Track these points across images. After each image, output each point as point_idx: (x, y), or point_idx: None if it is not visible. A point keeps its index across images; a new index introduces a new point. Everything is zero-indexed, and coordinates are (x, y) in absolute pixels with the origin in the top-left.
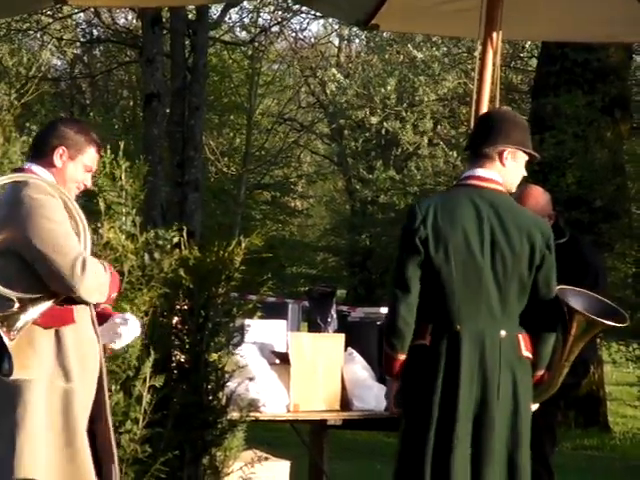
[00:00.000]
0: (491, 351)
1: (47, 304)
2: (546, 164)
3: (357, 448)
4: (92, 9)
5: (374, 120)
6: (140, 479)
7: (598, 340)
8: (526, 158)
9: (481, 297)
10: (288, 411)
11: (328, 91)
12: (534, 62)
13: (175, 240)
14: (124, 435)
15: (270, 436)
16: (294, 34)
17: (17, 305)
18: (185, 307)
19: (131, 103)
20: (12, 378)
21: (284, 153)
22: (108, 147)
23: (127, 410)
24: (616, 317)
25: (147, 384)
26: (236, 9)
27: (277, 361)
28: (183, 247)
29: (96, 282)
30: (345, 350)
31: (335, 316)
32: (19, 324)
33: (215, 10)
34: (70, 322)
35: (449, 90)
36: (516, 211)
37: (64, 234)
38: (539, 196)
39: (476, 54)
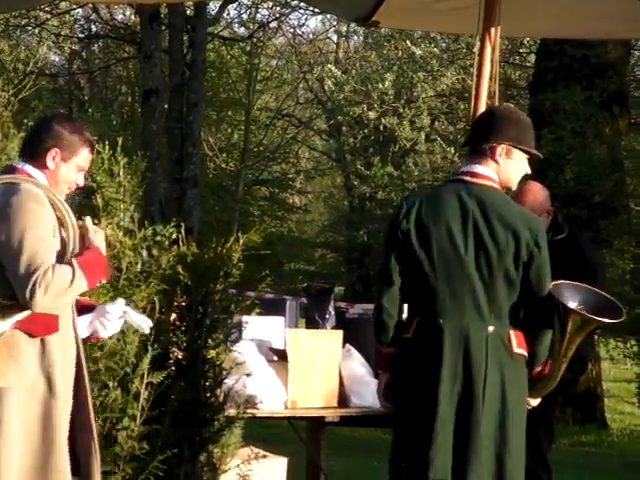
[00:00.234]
0: (477, 347)
1: (25, 312)
2: (544, 160)
3: (354, 445)
4: (90, 5)
5: (372, 116)
6: (137, 476)
7: (596, 337)
8: (524, 156)
9: (466, 292)
10: (286, 408)
11: (326, 87)
12: (532, 58)
13: (173, 236)
14: (121, 432)
15: (268, 433)
16: (292, 30)
17: None
18: (183, 304)
19: (129, 99)
20: None
21: (282, 149)
22: (106, 143)
23: (124, 407)
24: (613, 312)
25: (145, 381)
26: (234, 5)
27: (275, 358)
28: (181, 243)
29: (54, 296)
30: (343, 347)
31: (333, 313)
32: None
33: (213, 6)
34: (54, 331)
35: (447, 86)
36: (504, 207)
37: (35, 247)
38: (537, 192)
39: (475, 50)
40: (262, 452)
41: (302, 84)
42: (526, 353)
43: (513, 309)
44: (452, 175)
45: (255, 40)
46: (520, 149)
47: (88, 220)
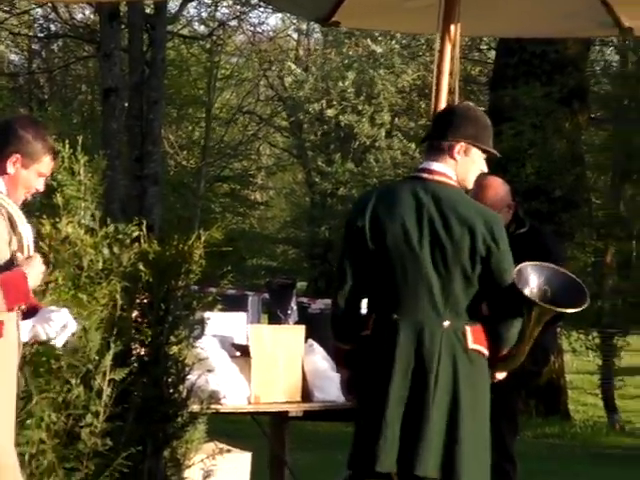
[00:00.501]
0: (430, 342)
1: None
2: (505, 155)
3: (318, 439)
4: (49, 4)
5: (331, 113)
6: (101, 473)
7: (558, 329)
8: (482, 154)
9: (421, 288)
10: (249, 403)
11: (286, 84)
12: (493, 54)
13: (134, 234)
14: (84, 429)
15: (231, 428)
16: (252, 28)
17: None
18: (145, 301)
19: (89, 98)
20: None
21: (243, 146)
22: (66, 142)
23: (87, 404)
24: (577, 293)
25: (107, 377)
26: (194, 3)
27: (237, 353)
28: (142, 241)
29: None
30: (305, 342)
31: (295, 308)
32: None
33: (173, 4)
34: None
35: (408, 83)
36: (460, 203)
37: None
38: (498, 187)
39: (435, 47)
40: (226, 447)
41: (263, 81)
42: (483, 349)
43: (471, 305)
44: (411, 171)
45: (215, 38)
46: (478, 147)
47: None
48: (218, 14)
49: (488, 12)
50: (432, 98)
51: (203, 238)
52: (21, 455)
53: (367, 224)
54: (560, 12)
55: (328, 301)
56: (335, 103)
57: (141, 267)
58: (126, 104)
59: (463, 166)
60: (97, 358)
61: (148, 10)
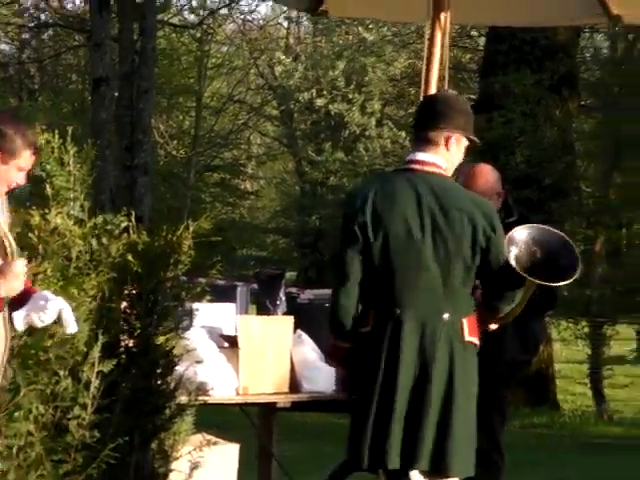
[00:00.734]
0: (431, 335)
1: None
2: (495, 143)
3: (306, 430)
4: None
5: (320, 102)
6: (89, 465)
7: (547, 318)
8: (467, 143)
9: (423, 282)
10: (237, 394)
11: (276, 73)
12: (483, 41)
13: (123, 225)
14: (72, 421)
15: (219, 419)
16: (242, 16)
17: None
18: (134, 292)
19: (80, 87)
20: None
21: (234, 135)
22: (56, 132)
23: (75, 396)
24: (567, 259)
25: (95, 369)
26: None
27: (226, 344)
28: (131, 232)
29: None
30: (294, 332)
31: (284, 298)
32: None
33: None
34: None
35: (399, 71)
36: (457, 194)
37: None
38: (488, 174)
39: (425, 35)
40: (214, 439)
41: (253, 70)
42: (476, 340)
43: (468, 296)
44: (402, 162)
45: (205, 27)
46: (467, 137)
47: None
48: (208, 2)
49: (478, 0)
50: (422, 86)
51: (192, 228)
52: (9, 448)
53: (369, 220)
54: (549, 1)
55: (318, 291)
56: (325, 92)
57: (130, 258)
58: (116, 94)
59: (454, 156)
60: (85, 350)
61: None
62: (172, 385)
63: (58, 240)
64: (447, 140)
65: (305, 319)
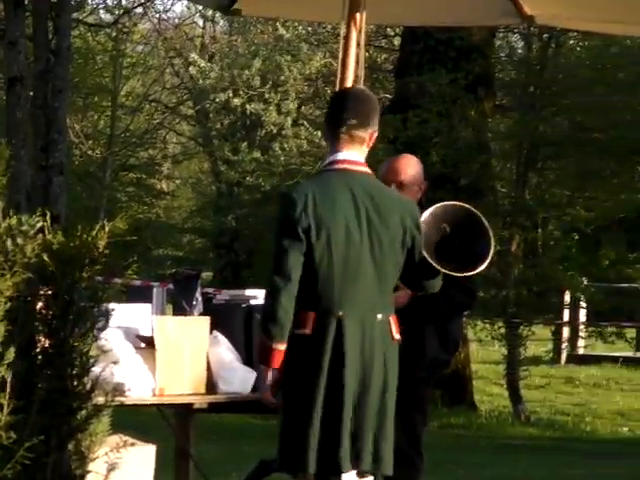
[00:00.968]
0: (370, 336)
1: None
2: (411, 143)
3: (223, 431)
4: None
5: (237, 102)
6: (4, 465)
7: (464, 319)
8: None
9: (361, 284)
10: (154, 395)
11: (192, 72)
12: (398, 41)
13: (38, 225)
14: None
15: (136, 420)
16: (158, 15)
17: None
18: (49, 292)
19: None
20: None
21: (149, 134)
22: None
23: None
24: (476, 235)
25: (11, 370)
26: None
27: (142, 345)
28: (47, 232)
29: None
30: (210, 333)
31: (200, 299)
32: None
33: None
34: None
35: (316, 69)
36: (388, 194)
37: None
38: (416, 164)
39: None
40: (131, 440)
41: (168, 70)
42: (399, 338)
43: (392, 295)
44: (327, 162)
45: (120, 26)
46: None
47: None
48: (123, 1)
49: (394, 0)
50: (337, 86)
51: (107, 228)
52: None
53: (312, 223)
54: (463, 1)
55: (234, 292)
56: (242, 92)
57: (45, 258)
58: (31, 93)
59: (366, 154)
60: (1, 350)
61: None
62: (88, 386)
63: None
64: (370, 137)
65: (221, 320)
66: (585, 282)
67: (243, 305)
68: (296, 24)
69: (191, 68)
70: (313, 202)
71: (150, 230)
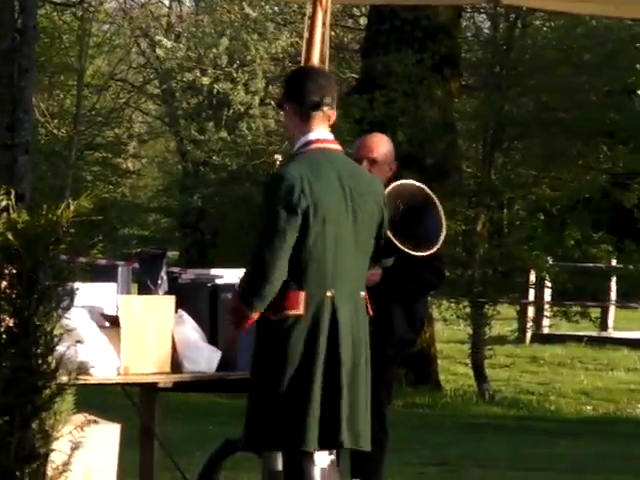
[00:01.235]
0: (357, 314)
1: None
2: (377, 123)
3: (188, 410)
4: None
5: (205, 81)
6: None
7: (429, 298)
8: None
9: (348, 263)
10: (118, 374)
11: (158, 52)
12: (364, 20)
13: (3, 204)
14: None
15: (101, 399)
16: None
17: None
18: (13, 271)
19: None
20: None
21: (115, 113)
22: None
23: None
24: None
25: None
26: None
27: (107, 324)
28: (11, 210)
29: None
30: (176, 312)
31: (165, 278)
32: None
33: None
34: None
35: (282, 48)
36: (364, 173)
37: None
38: (388, 142)
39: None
40: (95, 419)
41: (135, 49)
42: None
43: None
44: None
45: (86, 5)
46: None
47: None
48: None
49: None
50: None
51: (72, 207)
52: None
53: (310, 205)
54: None
55: (199, 271)
56: (210, 71)
57: (10, 237)
58: None
59: None
60: None
61: None
62: (53, 365)
63: None
64: (333, 116)
65: (186, 299)
66: (550, 262)
67: (208, 284)
68: (262, 3)
69: (157, 49)
70: (309, 184)
71: (116, 209)
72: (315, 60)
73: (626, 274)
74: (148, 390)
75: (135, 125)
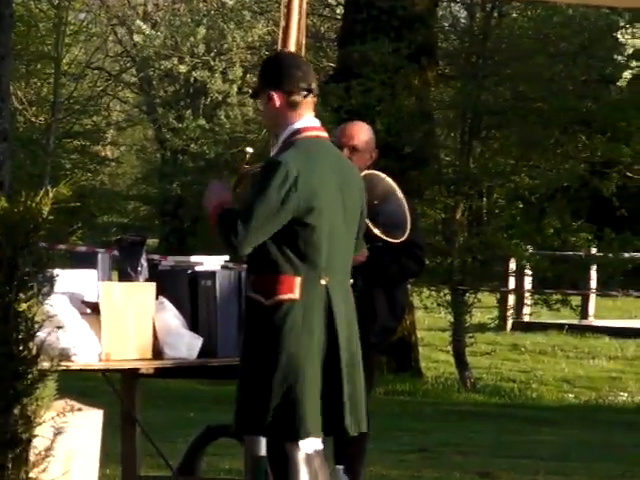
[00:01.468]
0: (349, 301)
1: None
2: (354, 112)
3: (170, 396)
4: None
5: (182, 69)
6: None
7: (409, 286)
8: None
9: (340, 250)
10: (99, 360)
11: (137, 40)
12: (341, 10)
13: None
14: None
15: (82, 386)
16: None
17: None
18: None
19: None
20: None
21: (93, 101)
22: None
23: None
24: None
25: None
26: None
27: (88, 311)
28: None
29: None
30: (156, 299)
31: (145, 265)
32: None
33: None
34: None
35: (259, 37)
36: (348, 163)
37: None
38: (369, 131)
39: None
40: (77, 405)
41: (111, 37)
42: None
43: None
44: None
45: None
46: None
47: None
48: None
49: None
50: None
51: (51, 194)
52: None
53: (308, 194)
54: None
55: (179, 258)
56: (187, 59)
57: None
58: None
59: None
60: None
61: None
62: (34, 351)
63: None
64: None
65: (167, 286)
66: (530, 250)
67: (188, 271)
68: None
69: (135, 36)
70: (306, 173)
71: (95, 197)
72: (292, 48)
73: (606, 262)
74: (129, 376)
75: (113, 113)
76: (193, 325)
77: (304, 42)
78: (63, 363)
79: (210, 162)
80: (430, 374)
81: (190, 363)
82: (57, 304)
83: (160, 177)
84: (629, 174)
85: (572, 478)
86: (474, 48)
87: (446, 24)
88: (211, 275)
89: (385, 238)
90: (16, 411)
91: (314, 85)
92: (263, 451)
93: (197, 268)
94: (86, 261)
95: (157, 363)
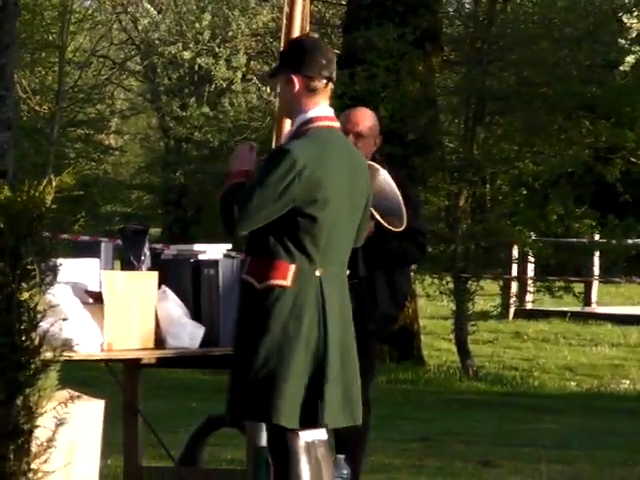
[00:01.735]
0: (344, 292)
1: None
2: (358, 98)
3: (172, 386)
4: None
5: (187, 55)
6: None
7: (412, 274)
8: None
9: (341, 241)
10: (102, 350)
11: (140, 27)
12: None
13: None
14: None
15: (84, 376)
16: None
17: None
18: None
19: None
20: None
21: (97, 90)
22: None
23: None
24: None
25: None
26: None
27: (90, 300)
28: None
29: None
30: (159, 288)
31: (148, 254)
32: None
33: None
34: None
35: (263, 25)
36: (357, 153)
37: None
38: (373, 117)
39: None
40: (79, 395)
41: (116, 25)
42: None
43: None
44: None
45: None
46: None
47: None
48: None
49: None
50: (282, 41)
51: (55, 183)
52: None
53: (315, 184)
54: None
55: (182, 247)
56: (191, 46)
57: None
58: None
59: None
60: None
61: None
62: (36, 341)
63: None
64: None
65: (169, 275)
66: (533, 237)
67: (191, 260)
68: None
69: (140, 20)
70: (313, 165)
71: (98, 186)
72: (296, 35)
73: (609, 249)
74: (131, 366)
75: (117, 102)
76: (195, 314)
77: (308, 28)
78: (65, 353)
79: (214, 150)
80: (432, 362)
81: (192, 353)
82: (60, 294)
83: (164, 166)
84: (633, 159)
85: (574, 466)
86: (479, 33)
87: (451, 9)
88: (214, 264)
89: (385, 225)
90: (18, 402)
91: (334, 75)
92: (264, 441)
93: (200, 257)
94: (89, 250)
95: (159, 353)
